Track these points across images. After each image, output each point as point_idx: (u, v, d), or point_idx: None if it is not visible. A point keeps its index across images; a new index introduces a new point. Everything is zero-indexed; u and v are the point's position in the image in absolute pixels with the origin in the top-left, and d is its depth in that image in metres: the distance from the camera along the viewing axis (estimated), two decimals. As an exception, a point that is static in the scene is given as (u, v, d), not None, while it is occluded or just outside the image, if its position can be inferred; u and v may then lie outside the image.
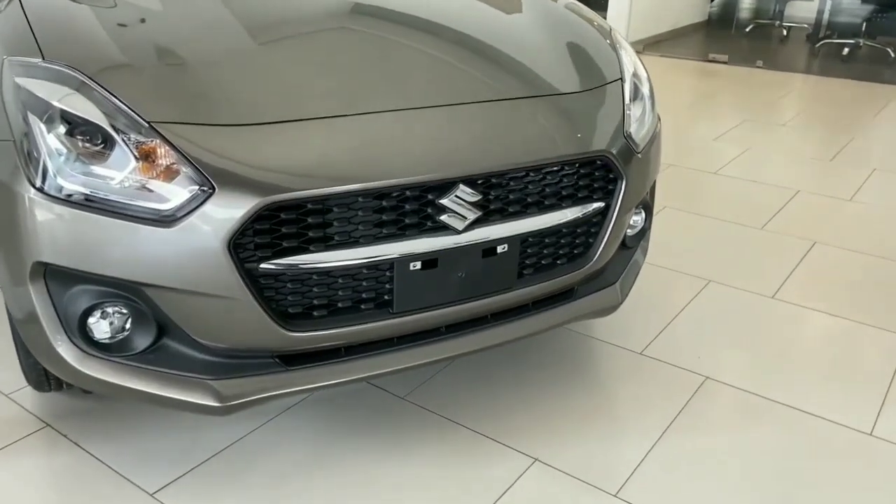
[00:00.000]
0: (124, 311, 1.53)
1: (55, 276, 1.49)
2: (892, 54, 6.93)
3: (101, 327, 1.53)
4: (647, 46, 7.12)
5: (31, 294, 1.50)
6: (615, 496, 1.72)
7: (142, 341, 1.55)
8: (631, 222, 2.02)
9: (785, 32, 8.13)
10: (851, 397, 2.10)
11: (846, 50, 7.03)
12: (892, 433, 1.96)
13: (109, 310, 1.52)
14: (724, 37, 8.08)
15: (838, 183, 3.75)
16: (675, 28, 7.94)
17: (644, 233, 2.14)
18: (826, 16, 8.12)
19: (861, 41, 7.24)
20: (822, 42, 7.45)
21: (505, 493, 1.73)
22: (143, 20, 1.77)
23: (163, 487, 1.71)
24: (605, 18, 7.44)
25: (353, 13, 2.08)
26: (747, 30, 8.32)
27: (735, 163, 4.02)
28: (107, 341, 1.54)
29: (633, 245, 2.10)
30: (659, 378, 2.16)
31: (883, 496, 1.75)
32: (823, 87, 5.92)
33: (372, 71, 1.75)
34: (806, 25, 8.31)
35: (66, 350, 1.52)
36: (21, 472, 1.74)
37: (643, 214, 2.09)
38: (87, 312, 1.51)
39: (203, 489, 1.71)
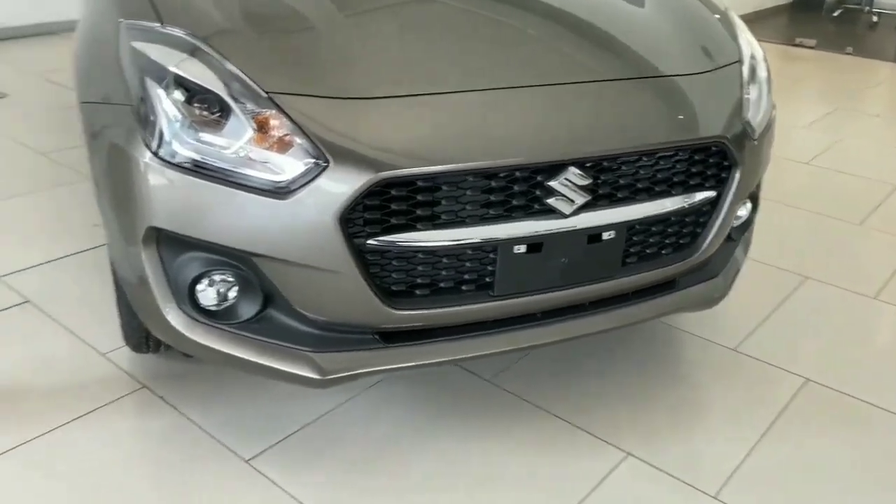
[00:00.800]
0: (232, 279, 1.53)
1: (167, 242, 1.50)
2: None
3: (208, 295, 1.53)
4: (729, 29, 6.87)
5: (143, 259, 1.51)
6: (714, 497, 1.66)
7: (247, 310, 1.55)
8: (737, 213, 1.93)
9: (875, 19, 7.73)
10: (963, 408, 1.98)
11: (943, 39, 6.64)
12: None
13: (217, 278, 1.53)
14: (811, 20, 7.72)
15: (940, 180, 3.55)
16: (759, 10, 7.62)
17: (748, 225, 2.05)
18: (921, 2, 7.68)
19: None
20: (916, 30, 7.06)
21: (598, 486, 1.69)
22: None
23: (257, 455, 1.72)
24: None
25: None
26: (835, 14, 7.93)
27: (828, 153, 3.84)
28: (214, 308, 1.55)
29: (736, 237, 2.01)
30: (756, 377, 2.08)
31: None
32: (918, 77, 5.61)
33: (486, 48, 1.70)
34: (897, 12, 7.90)
35: (174, 316, 1.54)
36: (118, 432, 1.78)
37: (749, 205, 2.00)
38: (197, 279, 1.52)
39: (295, 459, 1.73)
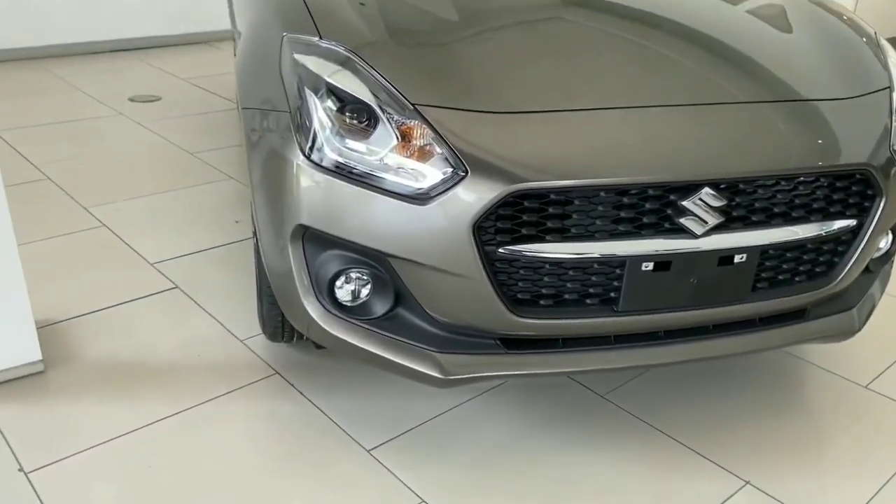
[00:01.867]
0: (367, 278, 1.63)
1: (312, 240, 1.62)
2: None
3: (345, 290, 1.64)
4: (872, 52, 6.49)
5: (290, 253, 1.64)
6: (838, 535, 1.60)
7: (379, 307, 1.65)
8: (877, 244, 1.86)
9: None
10: None
11: None
12: None
13: (354, 275, 1.63)
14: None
15: None
16: (907, 33, 7.16)
17: (889, 257, 1.96)
18: None
19: None
20: None
21: (713, 510, 1.67)
22: (392, 4, 1.87)
23: (378, 445, 1.81)
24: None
25: (591, 6, 2.07)
26: None
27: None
28: (349, 304, 1.65)
29: (875, 269, 1.93)
30: (886, 416, 1.98)
31: None
32: None
33: (623, 67, 1.73)
34: None
35: (313, 308, 1.66)
36: (252, 413, 1.92)
37: (890, 237, 1.92)
38: (336, 276, 1.63)
39: (412, 453, 1.80)
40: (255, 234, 1.89)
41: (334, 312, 1.66)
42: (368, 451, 1.80)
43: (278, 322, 1.98)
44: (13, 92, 4.46)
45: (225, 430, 1.86)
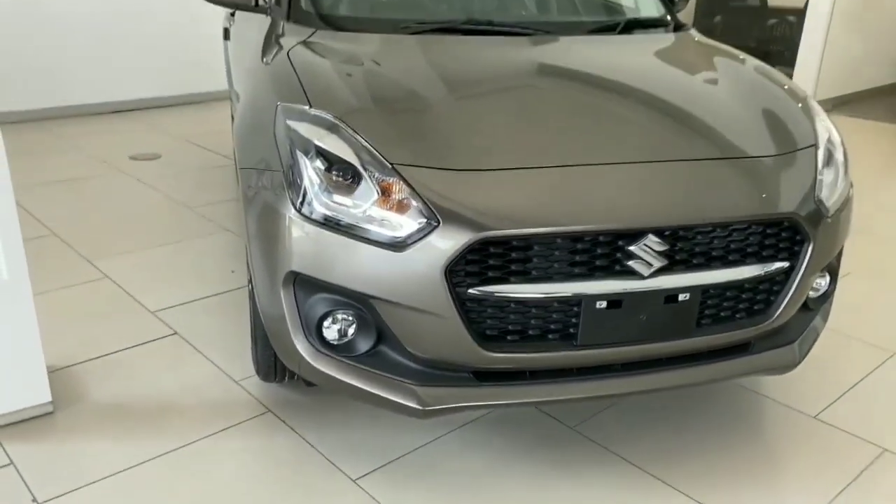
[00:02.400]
0: (352, 318, 1.81)
1: (302, 285, 1.81)
2: None
3: (332, 330, 1.82)
4: (836, 105, 6.83)
5: (282, 297, 1.82)
6: (780, 548, 1.76)
7: (363, 345, 1.83)
8: (815, 285, 2.06)
9: None
10: None
11: None
12: None
13: (340, 316, 1.81)
14: (928, 98, 7.56)
15: None
16: (871, 87, 7.54)
17: (827, 296, 2.16)
18: None
19: None
20: None
21: (669, 528, 1.82)
22: (374, 76, 2.10)
23: (364, 475, 1.97)
24: (791, 74, 7.18)
25: (550, 74, 2.31)
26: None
27: (932, 234, 3.81)
28: (336, 342, 1.83)
29: (815, 307, 2.13)
30: (832, 444, 2.15)
31: None
32: None
33: (579, 128, 1.96)
34: None
35: (303, 347, 1.83)
36: (246, 448, 2.07)
37: (827, 278, 2.12)
38: (324, 317, 1.81)
39: (396, 482, 1.95)
40: (250, 281, 2.08)
41: (322, 351, 1.83)
42: (354, 481, 1.95)
43: (271, 363, 2.15)
44: (18, 151, 4.68)
45: (221, 463, 2.01)
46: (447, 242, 1.66)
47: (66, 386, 2.30)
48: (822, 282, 2.11)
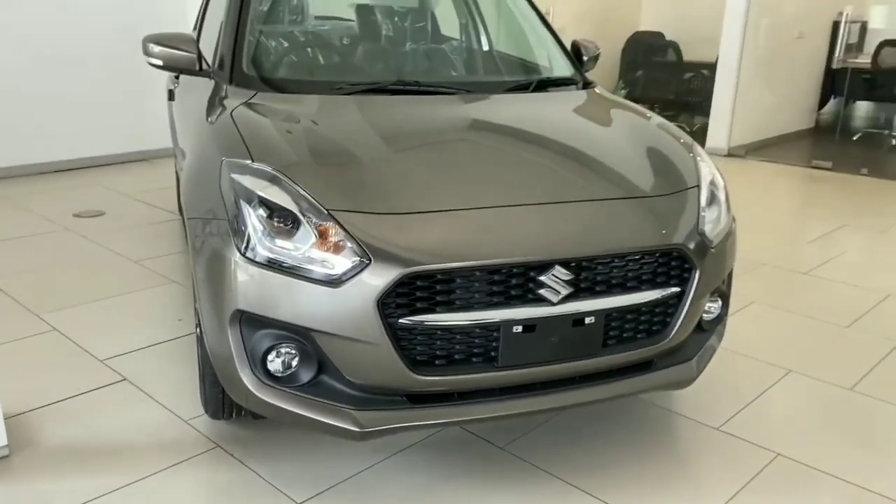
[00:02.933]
0: (294, 351, 1.99)
1: (248, 322, 1.98)
2: None
3: (276, 363, 1.99)
4: (749, 151, 7.34)
5: (229, 335, 1.99)
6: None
7: (305, 375, 2.00)
8: (708, 308, 2.34)
9: (895, 142, 8.18)
10: (919, 481, 2.26)
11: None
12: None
13: (284, 349, 1.99)
14: (831, 144, 8.21)
15: (933, 288, 3.86)
16: (781, 134, 8.15)
17: (720, 319, 2.44)
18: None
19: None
20: (934, 153, 7.45)
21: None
22: (311, 133, 2.33)
23: (308, 499, 2.12)
24: (707, 124, 7.68)
25: (470, 128, 2.59)
26: (855, 138, 8.41)
27: (828, 265, 4.20)
28: (280, 374, 2.00)
29: (709, 328, 2.41)
30: (732, 451, 2.41)
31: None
32: (930, 196, 5.96)
33: (493, 176, 2.22)
34: (918, 137, 8.34)
35: (249, 380, 2.00)
36: (195, 481, 2.20)
37: (720, 302, 2.41)
38: (268, 350, 1.98)
39: (340, 503, 2.12)
40: (197, 325, 2.24)
41: (267, 383, 2.00)
42: None
43: (219, 400, 2.30)
44: (-40, 212, 4.73)
45: (173, 495, 2.13)
46: (378, 278, 1.87)
47: (21, 431, 2.39)
48: (714, 306, 2.39)
